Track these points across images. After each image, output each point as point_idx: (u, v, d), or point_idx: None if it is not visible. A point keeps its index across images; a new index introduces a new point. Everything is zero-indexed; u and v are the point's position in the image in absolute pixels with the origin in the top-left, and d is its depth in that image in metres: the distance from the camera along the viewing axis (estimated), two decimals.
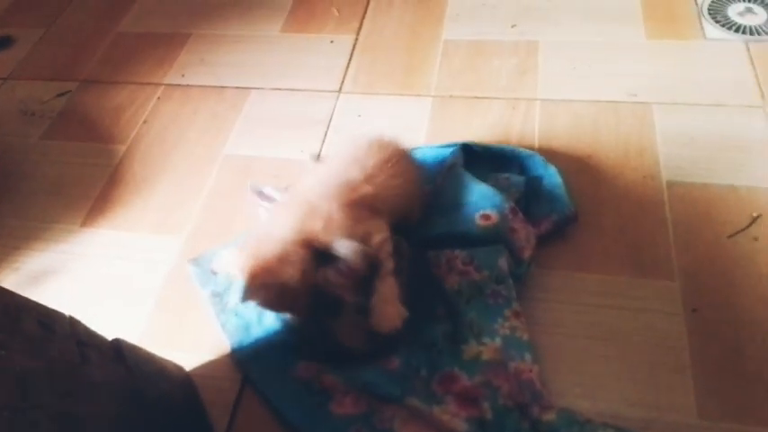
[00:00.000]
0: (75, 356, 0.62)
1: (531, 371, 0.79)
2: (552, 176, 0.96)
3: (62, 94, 1.30)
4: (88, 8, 1.54)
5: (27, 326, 0.58)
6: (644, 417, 0.76)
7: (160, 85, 1.30)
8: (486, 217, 0.88)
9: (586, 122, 1.10)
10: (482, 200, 0.89)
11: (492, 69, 1.22)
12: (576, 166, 1.02)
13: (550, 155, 1.02)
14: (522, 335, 0.82)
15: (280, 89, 1.26)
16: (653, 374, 0.80)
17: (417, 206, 0.93)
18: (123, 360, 0.72)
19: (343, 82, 1.25)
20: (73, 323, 0.67)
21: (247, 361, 0.87)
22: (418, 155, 1.05)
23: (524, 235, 0.87)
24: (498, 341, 0.81)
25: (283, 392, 0.83)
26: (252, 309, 0.89)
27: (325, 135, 1.16)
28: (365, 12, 1.39)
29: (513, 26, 1.29)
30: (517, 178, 0.95)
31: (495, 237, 0.86)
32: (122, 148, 1.19)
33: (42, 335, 0.59)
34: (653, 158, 1.03)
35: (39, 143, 1.22)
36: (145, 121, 1.23)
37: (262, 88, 1.26)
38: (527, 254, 0.86)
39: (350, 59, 1.29)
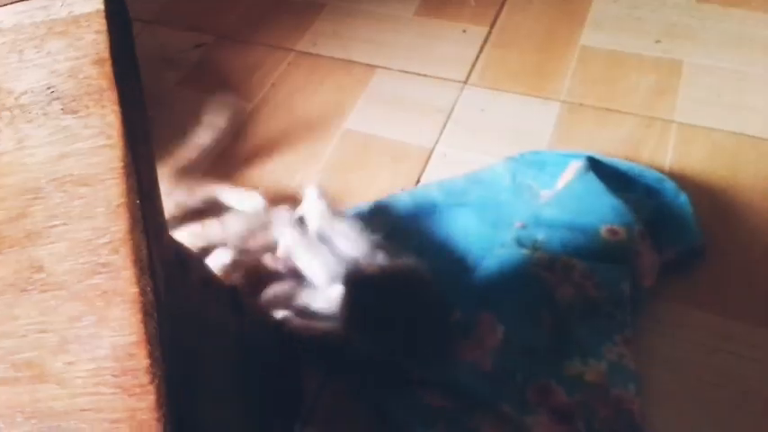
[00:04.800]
0: (204, 293, 0.66)
1: (633, 402, 0.77)
2: (683, 205, 0.92)
3: (199, 46, 1.36)
4: None
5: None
6: None
7: (292, 50, 1.33)
8: (614, 232, 0.85)
9: (725, 154, 1.04)
10: (612, 213, 0.86)
11: (629, 83, 1.17)
12: (708, 199, 0.97)
13: (682, 182, 0.97)
14: (628, 363, 0.79)
15: (406, 72, 1.26)
16: (761, 430, 0.76)
17: None
18: (239, 308, 0.76)
19: (470, 74, 1.24)
20: (201, 263, 0.71)
21: None
22: (536, 158, 1.03)
23: (649, 262, 0.84)
24: (604, 365, 0.79)
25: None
26: None
27: (445, 125, 1.15)
28: (503, 5, 1.37)
29: (657, 42, 1.23)
30: (647, 201, 0.92)
31: (619, 255, 0.83)
32: (249, 107, 1.23)
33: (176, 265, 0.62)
34: None
35: (174, 89, 1.28)
36: (273, 84, 1.26)
37: (389, 68, 1.27)
38: (648, 282, 0.83)
39: (480, 52, 1.28)
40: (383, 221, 0.98)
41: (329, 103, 1.22)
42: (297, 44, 1.34)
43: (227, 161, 1.13)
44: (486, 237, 0.95)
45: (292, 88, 1.25)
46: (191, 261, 0.68)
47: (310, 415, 0.82)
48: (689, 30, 1.26)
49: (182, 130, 1.18)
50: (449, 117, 1.17)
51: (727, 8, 1.29)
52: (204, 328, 0.67)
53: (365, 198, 1.02)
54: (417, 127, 1.15)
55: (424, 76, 1.25)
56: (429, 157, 1.10)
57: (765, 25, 1.24)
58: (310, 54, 1.32)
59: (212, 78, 1.30)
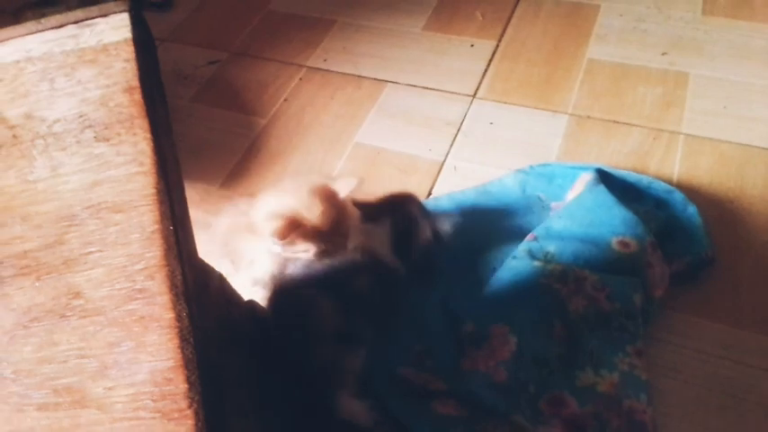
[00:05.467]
0: (224, 308, 0.67)
1: (645, 412, 0.78)
2: (692, 217, 0.93)
3: (213, 63, 1.39)
4: None
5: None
6: None
7: (303, 66, 1.35)
8: (625, 244, 0.86)
9: (732, 166, 1.05)
10: (623, 225, 0.88)
11: (636, 95, 1.18)
12: (716, 210, 0.98)
13: (690, 193, 0.98)
14: (640, 374, 0.80)
15: (415, 86, 1.28)
16: None
17: None
18: (255, 318, 0.77)
19: (478, 87, 1.25)
20: (222, 279, 0.72)
21: None
22: (546, 170, 1.05)
23: (660, 273, 0.85)
24: (616, 376, 0.80)
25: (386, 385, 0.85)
26: None
27: (455, 138, 1.17)
28: (509, 19, 1.39)
29: (663, 54, 1.25)
30: (657, 213, 0.93)
31: (630, 267, 0.84)
32: (262, 122, 1.25)
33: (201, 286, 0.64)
34: None
35: (188, 105, 1.30)
36: (285, 99, 1.29)
37: (398, 83, 1.29)
38: (659, 293, 0.84)
39: (488, 65, 1.29)
40: None
41: (340, 117, 1.24)
42: (308, 60, 1.36)
43: (240, 174, 1.16)
44: (497, 248, 0.96)
45: (304, 103, 1.28)
46: (212, 278, 0.69)
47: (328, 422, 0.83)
48: (695, 42, 1.27)
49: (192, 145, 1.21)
50: (458, 130, 1.18)
51: (732, 20, 1.30)
52: (226, 343, 0.68)
53: None
54: (427, 140, 1.17)
55: (434, 89, 1.27)
56: (439, 170, 1.11)
57: None
58: (321, 70, 1.34)
59: (226, 94, 1.32)
